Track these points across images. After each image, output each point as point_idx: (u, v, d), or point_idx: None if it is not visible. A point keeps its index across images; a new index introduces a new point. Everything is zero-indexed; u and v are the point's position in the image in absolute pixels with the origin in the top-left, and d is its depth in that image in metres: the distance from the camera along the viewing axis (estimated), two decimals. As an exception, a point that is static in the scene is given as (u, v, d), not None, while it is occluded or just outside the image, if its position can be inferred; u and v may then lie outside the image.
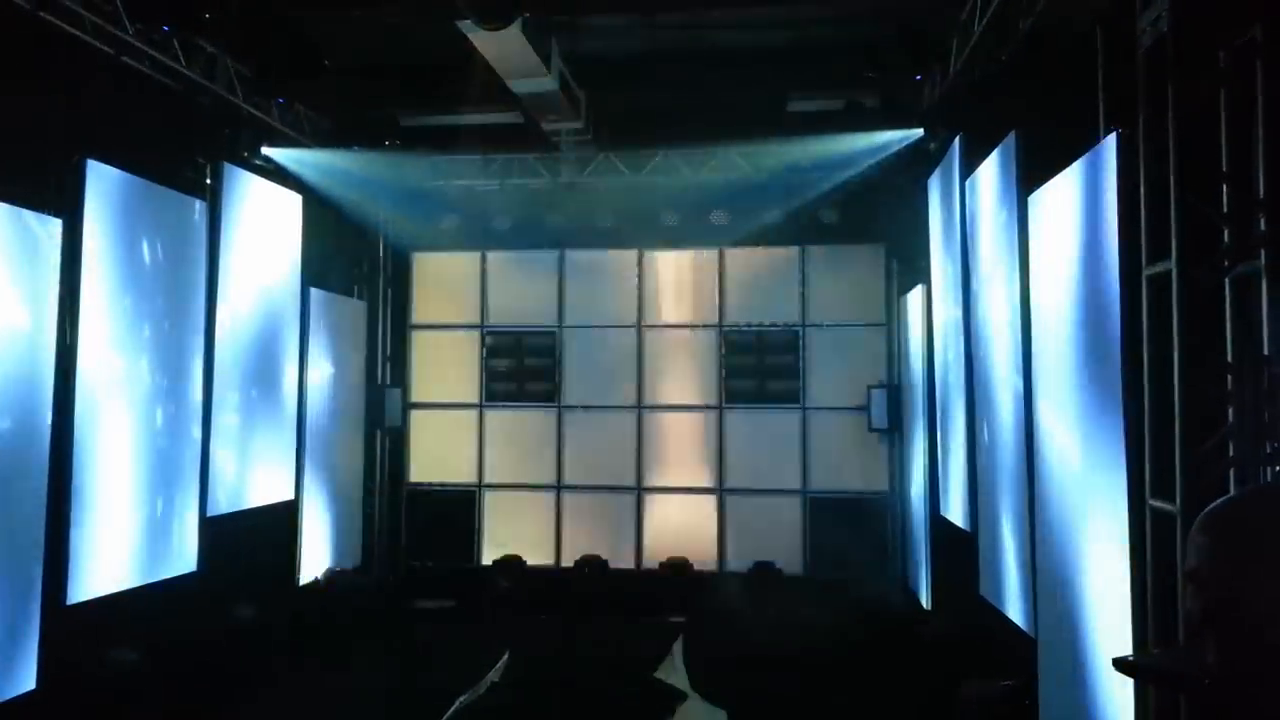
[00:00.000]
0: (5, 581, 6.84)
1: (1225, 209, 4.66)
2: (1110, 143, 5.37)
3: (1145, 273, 5.03)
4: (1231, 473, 4.51)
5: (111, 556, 8.07)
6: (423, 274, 13.66)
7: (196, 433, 9.20)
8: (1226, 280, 4.60)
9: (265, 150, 10.57)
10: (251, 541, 9.99)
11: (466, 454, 13.38)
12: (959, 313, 8.74)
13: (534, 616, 11.65)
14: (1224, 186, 4.66)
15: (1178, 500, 4.68)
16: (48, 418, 7.22)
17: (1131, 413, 5.12)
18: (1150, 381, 4.97)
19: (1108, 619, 5.41)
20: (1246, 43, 4.53)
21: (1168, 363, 4.77)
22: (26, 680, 6.94)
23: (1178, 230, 4.70)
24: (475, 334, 13.51)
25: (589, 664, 9.74)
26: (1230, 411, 4.52)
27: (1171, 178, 4.75)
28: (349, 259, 13.10)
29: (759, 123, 11.09)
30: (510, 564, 12.71)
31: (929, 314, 10.29)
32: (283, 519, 10.81)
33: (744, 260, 13.06)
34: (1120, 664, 4.49)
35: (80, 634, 7.59)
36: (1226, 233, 4.64)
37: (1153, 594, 4.92)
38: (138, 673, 7.84)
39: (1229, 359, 4.56)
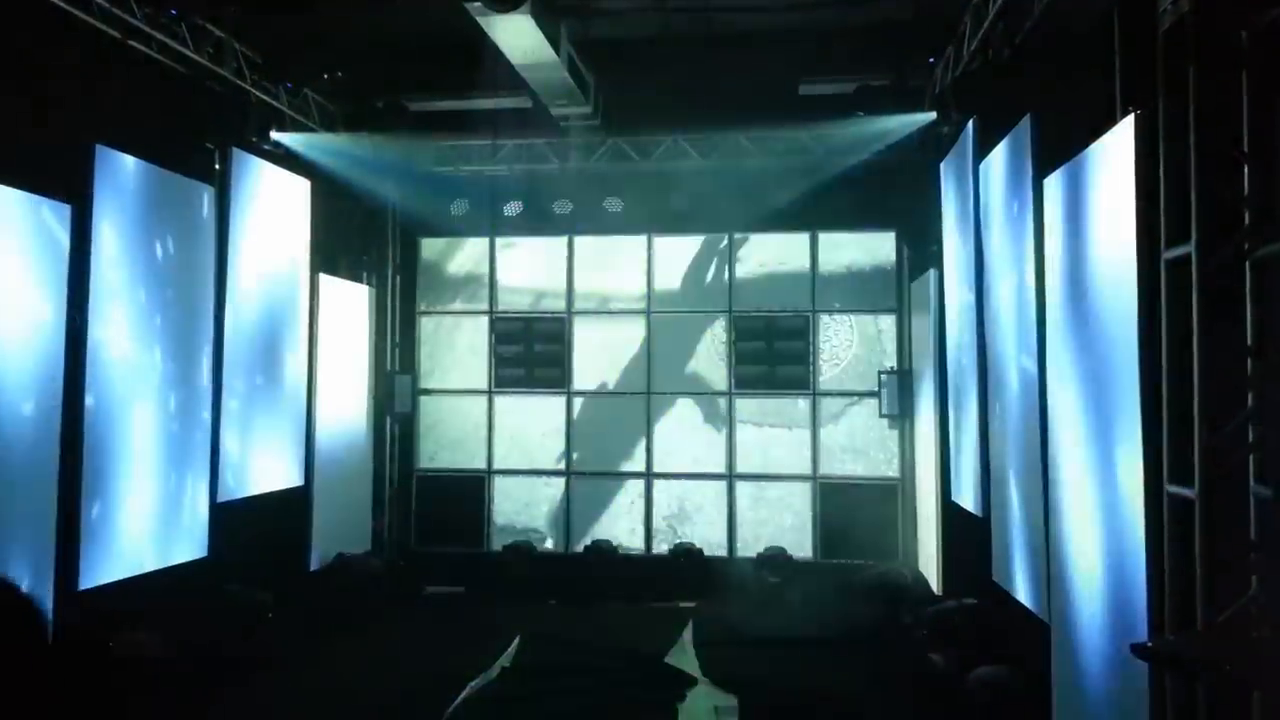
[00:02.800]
0: (17, 566, 6.84)
1: (1246, 191, 4.61)
2: (1128, 124, 5.31)
3: (1164, 256, 4.97)
4: (1251, 458, 4.48)
5: (122, 542, 8.09)
6: (431, 260, 13.64)
7: (206, 418, 9.20)
8: (1247, 263, 4.55)
9: (274, 135, 10.55)
10: (262, 527, 10.00)
11: (476, 440, 13.38)
12: (971, 297, 8.69)
13: (544, 602, 11.66)
14: (1245, 168, 4.61)
15: (1196, 486, 4.63)
16: (58, 403, 7.21)
17: (1149, 397, 5.07)
18: (1168, 366, 4.92)
19: (1124, 605, 5.38)
20: (1269, 22, 4.47)
21: (1186, 347, 4.72)
22: (39, 665, 6.96)
23: (1197, 213, 4.64)
24: (484, 320, 13.48)
25: (599, 649, 9.74)
26: (1250, 396, 4.47)
27: (1191, 160, 4.69)
28: (358, 245, 13.06)
29: (769, 107, 11.03)
30: (519, 550, 12.72)
31: (941, 299, 10.24)
32: (293, 505, 10.82)
33: (754, 245, 12.99)
34: (1138, 649, 4.51)
35: (92, 619, 7.61)
36: (1247, 215, 4.59)
37: (1170, 580, 4.88)
38: (149, 658, 7.85)
39: (1249, 343, 4.52)
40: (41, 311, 7.08)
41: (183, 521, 8.90)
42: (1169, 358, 4.92)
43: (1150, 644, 4.71)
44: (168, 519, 8.70)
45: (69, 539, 7.36)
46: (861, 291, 12.75)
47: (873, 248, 12.73)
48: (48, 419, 7.13)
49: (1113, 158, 5.53)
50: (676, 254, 13.17)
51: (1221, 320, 4.59)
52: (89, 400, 7.58)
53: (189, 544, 8.97)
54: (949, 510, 10.02)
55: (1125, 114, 5.43)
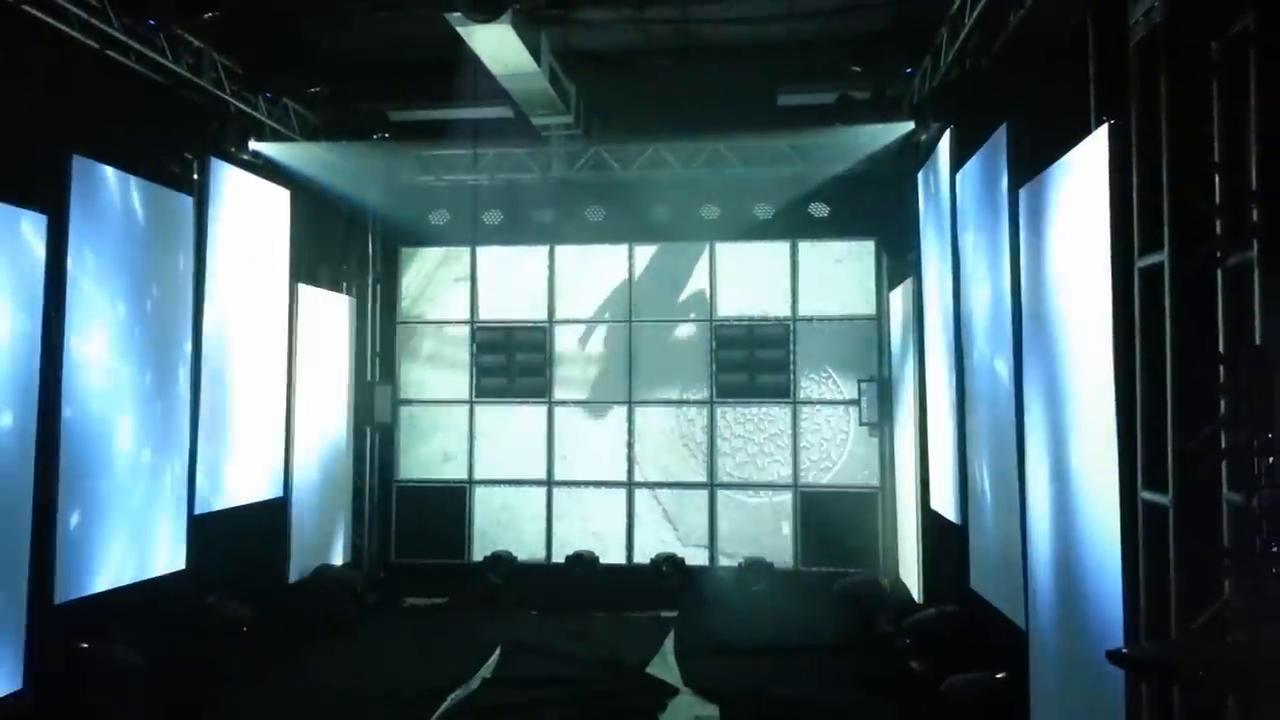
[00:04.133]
0: (-8, 580, 6.78)
1: (1218, 200, 4.66)
2: (1102, 134, 5.37)
3: (1137, 264, 5.02)
4: (1224, 464, 4.51)
5: (99, 555, 8.02)
6: (412, 269, 13.61)
7: (184, 430, 9.14)
8: (1219, 271, 4.60)
9: (253, 145, 10.50)
10: (241, 539, 9.94)
11: (457, 450, 13.35)
12: (949, 306, 8.73)
13: (525, 612, 11.61)
14: (1216, 177, 4.66)
15: (1170, 492, 4.67)
16: (34, 415, 7.15)
17: (1123, 405, 5.11)
18: (1142, 373, 4.97)
19: (1100, 611, 5.41)
20: (1239, 33, 4.52)
21: (1160, 354, 4.77)
22: (13, 681, 6.89)
23: (1170, 221, 4.69)
24: (465, 329, 13.46)
25: (581, 660, 9.72)
26: (1223, 403, 4.51)
27: (1164, 169, 4.74)
28: (338, 254, 13.01)
29: (749, 117, 11.08)
30: (501, 560, 12.68)
31: (919, 307, 10.29)
32: (272, 516, 10.76)
33: (734, 254, 13.03)
34: (1115, 656, 4.53)
35: (68, 633, 7.53)
36: (1219, 223, 4.64)
37: (1145, 586, 4.92)
38: (126, 672, 7.78)
39: (1222, 350, 4.56)
40: (17, 322, 7.01)
41: (161, 534, 8.83)
42: (1142, 365, 4.96)
43: (1126, 650, 4.73)
44: (146, 531, 8.63)
45: (45, 552, 7.29)
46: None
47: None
48: (24, 431, 7.06)
49: (1087, 167, 5.59)
50: (657, 262, 13.19)
51: (1194, 327, 4.64)
52: (66, 412, 7.52)
53: (167, 556, 8.90)
54: (928, 518, 10.05)
55: (1099, 124, 5.49)
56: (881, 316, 12.57)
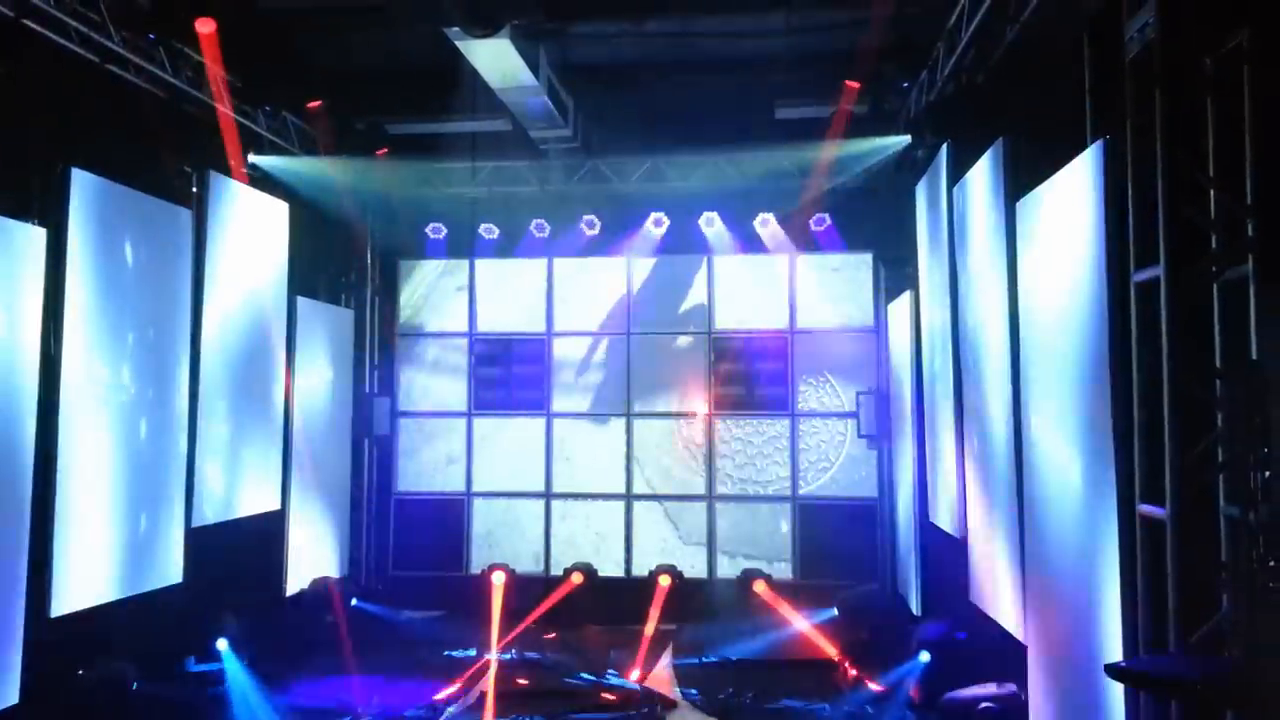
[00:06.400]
0: (-11, 594, 6.77)
1: (1213, 214, 4.68)
2: (1097, 149, 5.39)
3: (1134, 278, 5.04)
4: (1221, 478, 4.52)
5: (96, 568, 7.99)
6: (410, 282, 13.62)
7: (182, 443, 9.11)
8: (1215, 285, 4.62)
9: (252, 158, 10.52)
10: (238, 552, 9.92)
11: (455, 462, 13.33)
12: (947, 319, 8.75)
13: (524, 626, 11.58)
14: (1211, 192, 4.68)
15: (1168, 506, 4.68)
16: (31, 428, 7.14)
17: (1121, 418, 5.12)
18: (1140, 387, 4.98)
19: (1099, 625, 5.41)
20: (1233, 49, 4.55)
21: (1157, 368, 4.78)
22: (10, 694, 6.86)
23: (1166, 236, 4.71)
24: (463, 342, 13.47)
25: (579, 672, 9.70)
26: (1220, 416, 4.52)
27: (1159, 183, 4.76)
28: (336, 267, 13.03)
29: (746, 130, 11.11)
30: (500, 573, 12.63)
31: (917, 320, 10.30)
32: (269, 529, 10.73)
33: (732, 267, 13.04)
34: (1113, 670, 4.53)
35: (64, 647, 7.52)
36: (1214, 238, 4.66)
37: (1143, 600, 4.92)
38: (123, 686, 7.76)
39: (1218, 364, 4.58)
40: (15, 334, 7.01)
41: (158, 547, 8.80)
42: (1139, 379, 4.97)
43: (1125, 664, 4.74)
44: (143, 544, 8.60)
45: (41, 565, 7.26)
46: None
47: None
48: (20, 442, 7.05)
49: (1083, 181, 5.61)
50: (655, 275, 13.21)
51: (1190, 342, 4.65)
52: (63, 424, 7.50)
53: (165, 569, 8.87)
54: (928, 531, 10.04)
55: (1095, 138, 5.51)
56: (880, 329, 12.58)
